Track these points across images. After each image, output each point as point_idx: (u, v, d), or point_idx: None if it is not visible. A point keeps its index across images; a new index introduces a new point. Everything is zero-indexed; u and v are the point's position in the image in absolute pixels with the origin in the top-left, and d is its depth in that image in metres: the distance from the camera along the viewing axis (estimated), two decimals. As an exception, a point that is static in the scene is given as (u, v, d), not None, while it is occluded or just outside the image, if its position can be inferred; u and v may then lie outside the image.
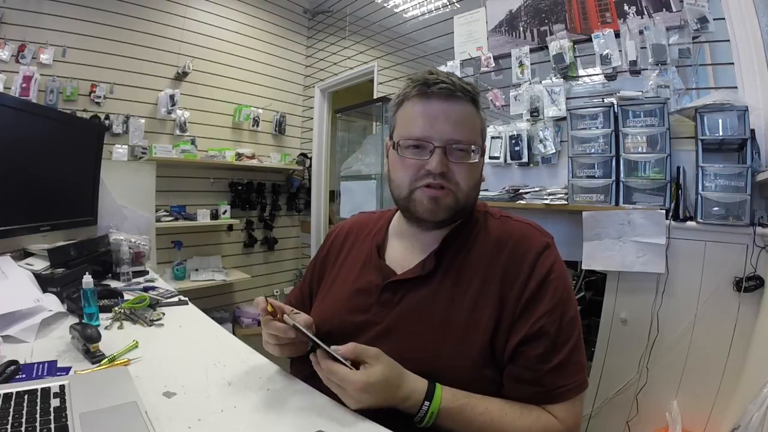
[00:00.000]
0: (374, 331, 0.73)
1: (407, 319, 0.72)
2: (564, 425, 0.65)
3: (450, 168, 0.70)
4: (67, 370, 0.81)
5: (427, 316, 0.71)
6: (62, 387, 0.66)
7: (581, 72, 1.96)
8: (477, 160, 0.72)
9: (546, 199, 1.85)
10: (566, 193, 1.82)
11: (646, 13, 1.74)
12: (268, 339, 0.74)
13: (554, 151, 1.96)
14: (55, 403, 0.62)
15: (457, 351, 0.67)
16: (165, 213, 2.90)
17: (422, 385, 0.64)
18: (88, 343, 0.86)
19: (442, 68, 2.35)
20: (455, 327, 0.69)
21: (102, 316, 1.09)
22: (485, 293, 0.69)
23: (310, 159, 3.70)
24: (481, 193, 2.38)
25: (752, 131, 1.41)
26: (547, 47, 2.00)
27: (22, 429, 0.56)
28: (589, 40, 1.88)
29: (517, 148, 2.07)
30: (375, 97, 3.05)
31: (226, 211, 3.17)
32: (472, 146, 0.70)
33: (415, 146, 0.71)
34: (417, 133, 0.70)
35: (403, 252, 0.80)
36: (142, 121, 2.82)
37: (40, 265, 1.32)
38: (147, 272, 1.73)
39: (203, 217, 3.05)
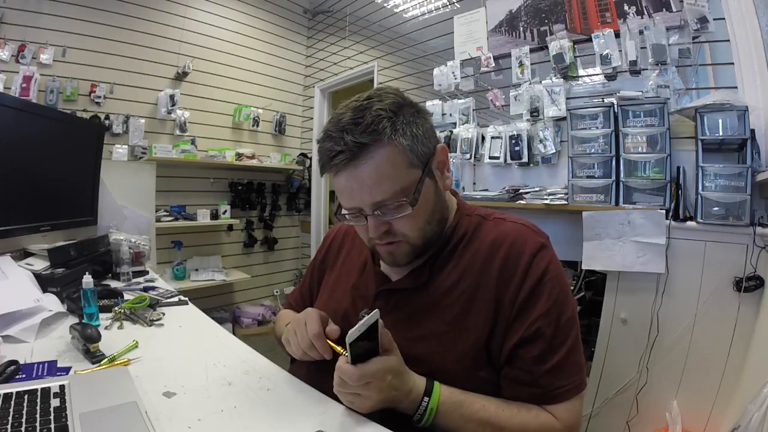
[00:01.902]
0: None
1: (399, 327, 0.72)
2: (563, 424, 0.65)
3: (390, 223, 0.68)
4: (67, 370, 0.81)
5: (420, 323, 0.71)
6: (62, 387, 0.66)
7: (581, 72, 1.96)
8: (410, 211, 0.65)
9: (546, 199, 1.85)
10: (566, 193, 1.82)
11: (646, 13, 1.74)
12: (308, 353, 0.73)
13: (554, 151, 1.96)
14: (55, 403, 0.62)
15: (450, 357, 0.68)
16: (165, 213, 2.90)
17: (421, 382, 0.64)
18: (88, 343, 0.86)
19: (442, 68, 2.38)
20: (448, 333, 0.69)
21: (102, 316, 1.09)
22: (479, 298, 0.69)
23: (310, 159, 3.70)
24: (481, 193, 2.36)
25: (752, 131, 1.41)
26: (547, 47, 2.00)
27: (22, 429, 0.56)
28: (589, 40, 1.88)
29: (517, 148, 2.07)
30: (375, 97, 3.05)
31: (226, 211, 3.17)
32: (403, 198, 0.65)
33: (351, 214, 0.70)
34: (346, 205, 0.69)
35: None
36: (142, 121, 2.82)
37: (40, 265, 1.32)
38: (147, 272, 1.73)
39: (203, 217, 3.05)
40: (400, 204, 0.65)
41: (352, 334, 0.57)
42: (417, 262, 0.75)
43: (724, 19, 1.54)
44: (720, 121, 1.45)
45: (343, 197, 0.68)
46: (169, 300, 1.33)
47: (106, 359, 0.85)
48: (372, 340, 0.61)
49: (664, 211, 1.53)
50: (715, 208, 1.43)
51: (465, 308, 0.69)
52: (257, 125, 3.48)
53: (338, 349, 0.70)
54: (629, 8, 1.79)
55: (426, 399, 0.63)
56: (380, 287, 0.77)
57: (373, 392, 0.60)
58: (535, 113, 2.01)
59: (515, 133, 2.07)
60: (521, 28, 2.14)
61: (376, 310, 0.60)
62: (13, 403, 0.61)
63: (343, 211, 0.70)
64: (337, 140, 0.63)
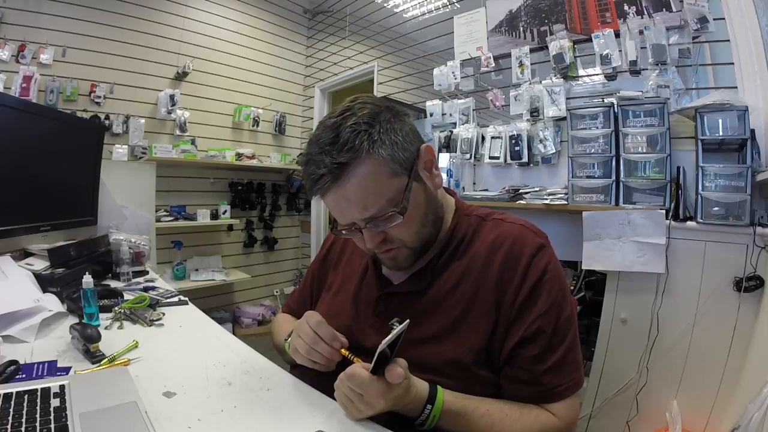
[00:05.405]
0: (370, 341, 0.73)
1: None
2: (563, 422, 0.66)
3: (386, 232, 0.68)
4: (67, 370, 0.80)
5: (422, 326, 0.71)
6: (62, 387, 0.66)
7: (581, 72, 1.96)
8: (401, 219, 0.65)
9: (546, 199, 1.85)
10: (566, 193, 1.82)
11: (646, 13, 1.74)
12: (316, 360, 0.72)
13: (554, 151, 1.96)
14: (55, 403, 0.62)
15: (452, 358, 0.68)
16: (165, 213, 2.90)
17: (423, 388, 0.64)
18: (88, 343, 0.86)
19: (442, 68, 2.38)
20: (450, 335, 0.69)
21: (102, 316, 1.09)
22: (480, 300, 0.69)
23: (310, 159, 3.70)
24: (481, 193, 2.36)
25: (752, 131, 1.41)
26: (547, 47, 2.00)
27: (22, 429, 0.56)
28: (589, 40, 1.88)
29: (517, 148, 2.07)
30: (375, 97, 3.06)
31: (226, 211, 3.17)
32: (392, 209, 0.65)
33: (347, 229, 0.70)
34: (340, 222, 0.70)
35: None
36: (142, 121, 2.82)
37: (40, 265, 1.32)
38: (147, 272, 1.73)
39: (203, 217, 3.05)
40: (390, 215, 0.65)
41: (384, 343, 0.58)
42: (419, 265, 0.75)
43: (724, 19, 1.54)
44: (720, 121, 1.45)
45: (337, 215, 0.69)
46: (169, 300, 1.33)
47: (106, 359, 0.84)
48: (392, 349, 0.61)
49: (664, 211, 1.52)
50: (715, 208, 1.43)
51: (466, 310, 0.69)
52: (257, 125, 3.48)
53: (345, 352, 0.70)
54: (629, 8, 1.79)
55: (429, 407, 0.63)
56: (382, 291, 0.78)
57: (375, 402, 0.60)
58: (535, 113, 2.01)
59: (515, 133, 2.07)
60: (521, 28, 2.14)
61: (408, 320, 0.61)
62: (13, 403, 0.61)
63: (340, 226, 0.71)
64: (318, 163, 0.62)
